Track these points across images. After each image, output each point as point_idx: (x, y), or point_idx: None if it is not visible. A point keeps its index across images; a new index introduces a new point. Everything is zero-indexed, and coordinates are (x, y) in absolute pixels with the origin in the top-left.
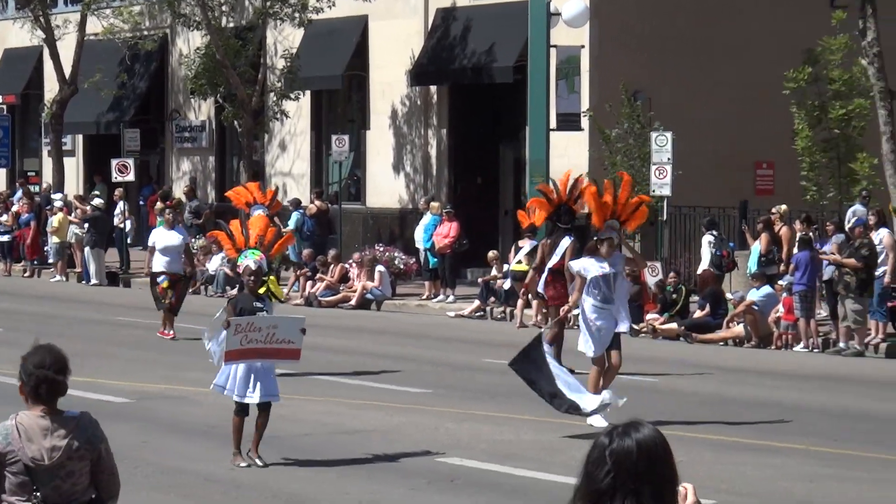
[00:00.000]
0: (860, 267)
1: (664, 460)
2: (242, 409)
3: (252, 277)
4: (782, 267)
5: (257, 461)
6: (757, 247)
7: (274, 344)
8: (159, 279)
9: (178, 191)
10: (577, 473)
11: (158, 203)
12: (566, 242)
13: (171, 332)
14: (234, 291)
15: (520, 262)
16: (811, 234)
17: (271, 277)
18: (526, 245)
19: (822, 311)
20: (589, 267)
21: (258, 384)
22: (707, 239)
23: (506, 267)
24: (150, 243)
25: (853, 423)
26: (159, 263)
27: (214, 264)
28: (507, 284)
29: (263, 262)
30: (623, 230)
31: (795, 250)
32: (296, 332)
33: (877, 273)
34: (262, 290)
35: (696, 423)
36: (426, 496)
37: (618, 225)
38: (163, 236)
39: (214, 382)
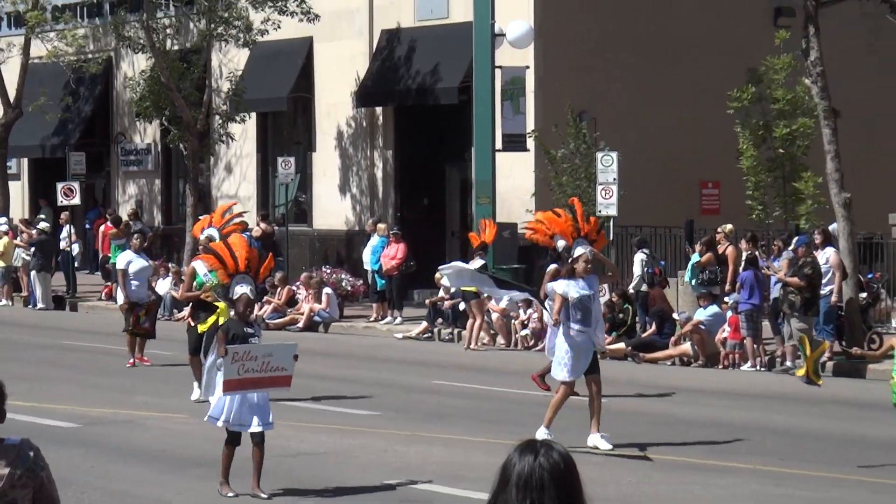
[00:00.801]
0: (804, 286)
1: (568, 482)
2: (235, 440)
3: (250, 308)
4: (727, 286)
5: (261, 494)
6: (695, 257)
7: (269, 372)
8: (138, 311)
9: (124, 214)
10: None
11: (115, 229)
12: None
13: (146, 358)
14: (185, 313)
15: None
16: (757, 253)
17: (222, 305)
18: (475, 263)
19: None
20: (569, 289)
21: (255, 414)
22: (639, 257)
23: (453, 289)
24: (120, 267)
25: (800, 442)
26: (131, 288)
27: (161, 287)
28: (462, 305)
29: (254, 289)
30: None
31: (741, 269)
32: (289, 359)
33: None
34: (211, 320)
35: (645, 443)
36: None
37: (587, 242)
38: (135, 261)
39: (209, 415)
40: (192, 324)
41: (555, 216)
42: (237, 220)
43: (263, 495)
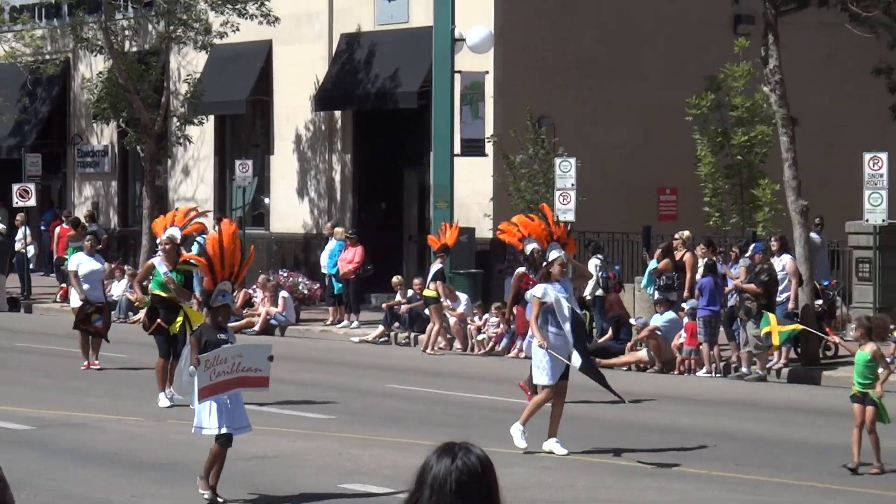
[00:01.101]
0: (760, 293)
1: (484, 486)
2: (228, 440)
3: (220, 317)
4: (686, 293)
5: (218, 498)
6: (653, 263)
7: (240, 373)
8: (88, 308)
9: (80, 216)
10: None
11: (73, 231)
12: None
13: (97, 361)
14: (140, 316)
15: (428, 287)
16: (716, 259)
17: (187, 305)
18: (435, 266)
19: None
20: (548, 293)
21: (235, 415)
22: (593, 262)
23: (410, 292)
24: (71, 269)
25: (755, 448)
26: (84, 289)
27: (117, 290)
28: (427, 311)
29: (230, 298)
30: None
31: (699, 276)
32: (262, 359)
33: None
34: (179, 320)
35: (600, 448)
36: None
37: (560, 246)
38: (86, 262)
39: (195, 425)
40: (165, 326)
41: (528, 220)
42: (198, 219)
43: (220, 499)
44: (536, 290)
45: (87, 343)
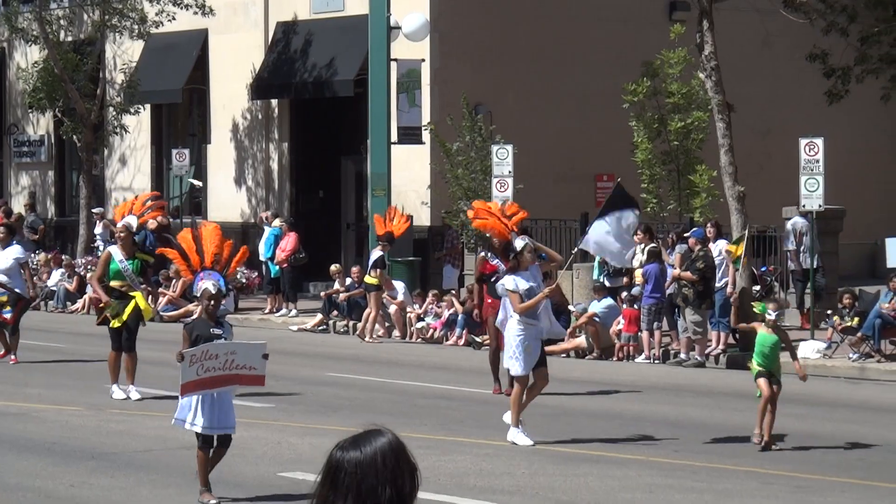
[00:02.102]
0: (696, 280)
1: (392, 472)
2: (207, 442)
3: (212, 302)
4: (625, 279)
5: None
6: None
7: (233, 370)
8: None
9: (17, 206)
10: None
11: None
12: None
13: (14, 356)
14: (78, 305)
15: (369, 274)
16: (661, 246)
17: (138, 294)
18: (375, 254)
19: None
20: (519, 283)
21: (218, 415)
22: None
23: (348, 280)
24: None
25: (694, 434)
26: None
27: (54, 279)
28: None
29: (222, 284)
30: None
31: (644, 262)
32: (257, 358)
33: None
34: (129, 310)
35: (540, 435)
36: None
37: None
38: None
39: (176, 416)
40: (110, 317)
41: (489, 213)
42: (156, 208)
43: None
44: (508, 284)
45: (2, 335)
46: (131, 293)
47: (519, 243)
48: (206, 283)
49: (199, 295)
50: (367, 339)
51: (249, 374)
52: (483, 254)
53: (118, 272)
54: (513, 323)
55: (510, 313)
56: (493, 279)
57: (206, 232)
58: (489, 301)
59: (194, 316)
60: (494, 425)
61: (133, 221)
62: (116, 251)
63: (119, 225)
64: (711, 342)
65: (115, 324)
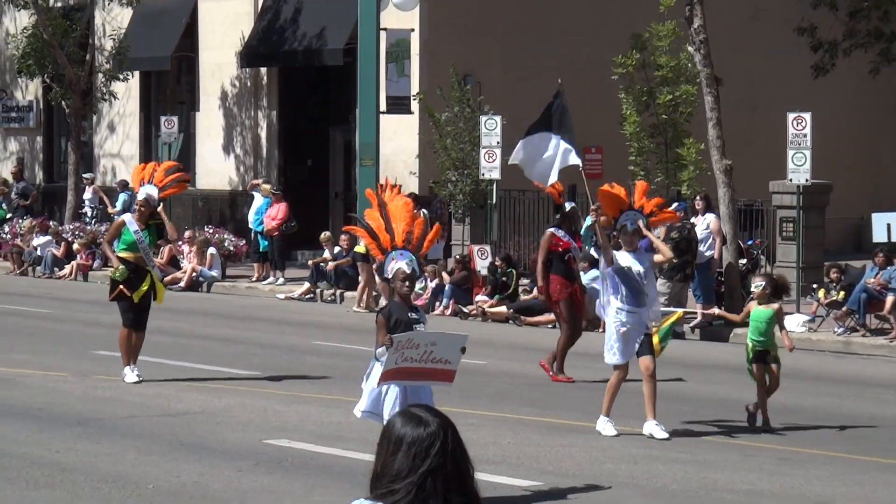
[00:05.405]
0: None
1: (458, 449)
2: None
3: (407, 283)
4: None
5: None
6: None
7: (430, 364)
8: None
9: (5, 171)
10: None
11: None
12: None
13: None
14: (65, 271)
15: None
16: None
17: (155, 272)
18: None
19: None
20: (621, 259)
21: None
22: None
23: (336, 249)
24: None
25: (676, 405)
26: None
27: (41, 242)
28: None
29: (416, 264)
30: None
31: None
32: (455, 351)
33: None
34: (144, 287)
35: (525, 405)
36: (254, 477)
37: (638, 216)
38: None
39: (364, 409)
40: (128, 293)
41: (608, 189)
42: (180, 181)
43: None
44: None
45: None
46: (148, 269)
47: (625, 220)
48: (400, 263)
49: (390, 277)
50: (355, 308)
51: (443, 369)
52: (552, 230)
53: (133, 243)
54: (613, 309)
55: (607, 298)
56: (565, 257)
57: (395, 208)
58: (559, 284)
59: (382, 302)
60: (479, 394)
61: (154, 193)
62: (131, 220)
63: (140, 198)
64: (696, 314)
65: (136, 297)
